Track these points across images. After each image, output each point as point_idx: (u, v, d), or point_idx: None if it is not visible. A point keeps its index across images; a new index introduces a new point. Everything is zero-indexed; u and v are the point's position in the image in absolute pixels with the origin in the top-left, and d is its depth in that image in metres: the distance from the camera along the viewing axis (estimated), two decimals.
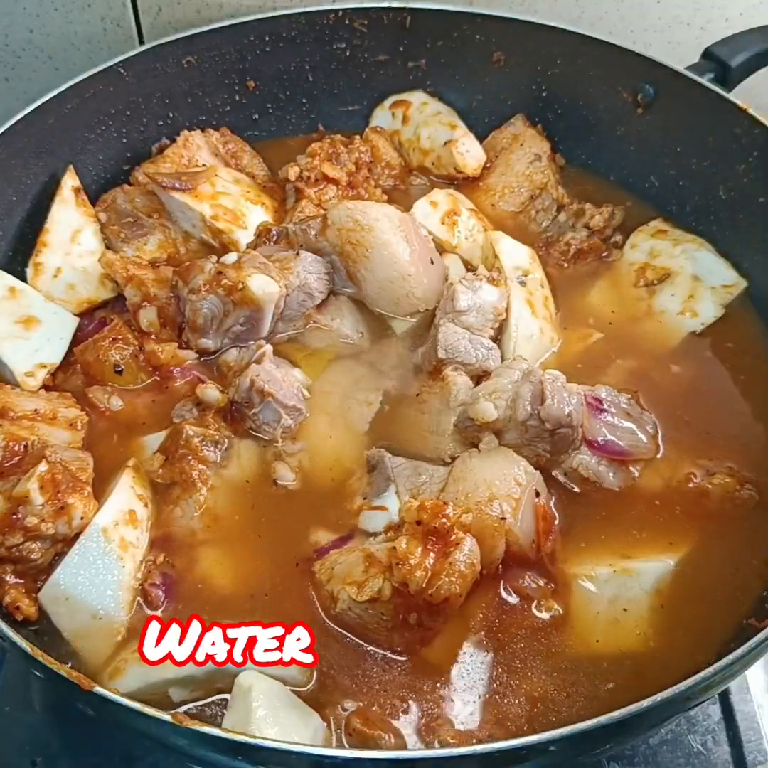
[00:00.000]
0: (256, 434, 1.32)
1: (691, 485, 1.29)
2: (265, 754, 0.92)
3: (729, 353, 1.48)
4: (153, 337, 1.41)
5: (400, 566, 1.06)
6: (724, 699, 1.36)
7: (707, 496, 1.27)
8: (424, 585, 1.05)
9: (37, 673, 1.02)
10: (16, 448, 1.21)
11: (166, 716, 0.93)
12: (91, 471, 1.24)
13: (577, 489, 1.27)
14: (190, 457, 1.26)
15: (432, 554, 1.07)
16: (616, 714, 0.93)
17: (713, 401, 1.41)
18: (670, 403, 1.38)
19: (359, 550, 1.14)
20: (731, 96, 1.58)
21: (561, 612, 1.16)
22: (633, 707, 0.93)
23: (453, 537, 1.08)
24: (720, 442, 1.35)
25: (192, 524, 1.23)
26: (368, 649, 1.12)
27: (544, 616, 1.16)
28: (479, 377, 1.34)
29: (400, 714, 1.08)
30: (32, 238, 1.55)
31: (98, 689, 0.96)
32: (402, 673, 1.11)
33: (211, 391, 1.31)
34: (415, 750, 1.04)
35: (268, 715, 1.01)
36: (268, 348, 1.36)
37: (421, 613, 1.08)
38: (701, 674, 0.96)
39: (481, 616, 1.16)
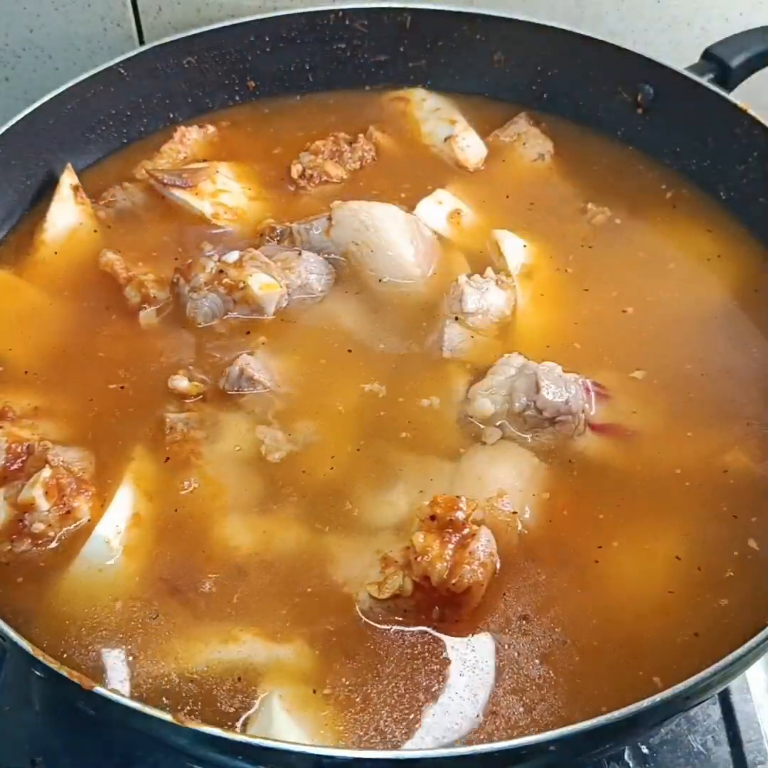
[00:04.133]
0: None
1: (703, 464, 1.25)
2: (265, 753, 0.92)
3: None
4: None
5: (419, 560, 1.06)
6: (724, 699, 1.35)
7: (720, 475, 1.23)
8: (445, 576, 1.05)
9: (37, 673, 1.02)
10: (19, 450, 1.21)
11: (167, 716, 0.93)
12: (94, 470, 1.24)
13: (587, 473, 1.25)
14: (179, 439, 1.25)
15: (450, 545, 1.07)
16: (616, 714, 0.93)
17: (726, 382, 1.36)
18: (678, 384, 1.35)
19: (372, 551, 1.14)
20: (731, 96, 1.57)
21: (577, 593, 1.13)
22: (633, 707, 0.93)
23: (468, 530, 1.09)
24: (733, 418, 1.31)
25: (197, 502, 1.21)
26: (385, 648, 1.10)
27: (559, 600, 1.13)
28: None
29: (412, 711, 1.06)
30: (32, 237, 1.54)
31: (98, 689, 0.96)
32: (418, 669, 1.09)
33: (179, 381, 1.31)
34: (415, 750, 1.03)
35: (291, 720, 1.02)
36: (263, 339, 1.36)
37: (443, 607, 1.09)
38: (701, 674, 0.96)
39: (498, 610, 1.13)
